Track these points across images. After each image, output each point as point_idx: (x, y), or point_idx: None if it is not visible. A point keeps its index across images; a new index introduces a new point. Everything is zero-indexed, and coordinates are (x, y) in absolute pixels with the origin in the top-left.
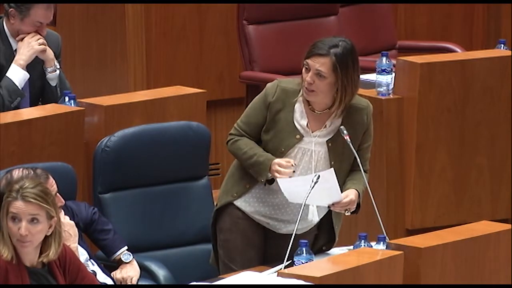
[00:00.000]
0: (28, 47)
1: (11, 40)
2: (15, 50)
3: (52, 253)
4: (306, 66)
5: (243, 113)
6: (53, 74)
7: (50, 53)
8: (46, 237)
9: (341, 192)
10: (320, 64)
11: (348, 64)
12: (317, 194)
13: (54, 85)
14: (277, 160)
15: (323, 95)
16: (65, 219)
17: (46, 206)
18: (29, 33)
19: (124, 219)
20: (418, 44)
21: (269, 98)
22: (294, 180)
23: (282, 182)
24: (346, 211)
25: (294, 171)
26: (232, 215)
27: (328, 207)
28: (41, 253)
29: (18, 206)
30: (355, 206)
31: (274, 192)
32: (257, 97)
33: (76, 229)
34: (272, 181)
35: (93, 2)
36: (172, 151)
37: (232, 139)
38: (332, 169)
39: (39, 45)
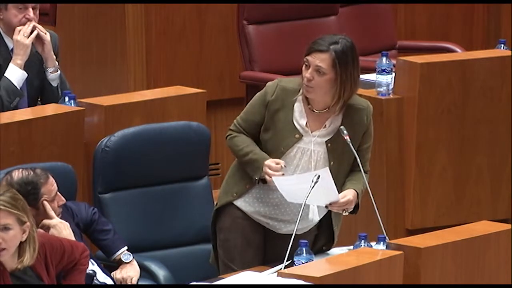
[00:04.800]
0: (18, 45)
1: (6, 39)
2: (11, 49)
3: (27, 259)
4: (306, 63)
5: (244, 109)
6: (54, 74)
7: (51, 53)
8: (21, 243)
9: (340, 192)
10: (320, 60)
11: (347, 61)
12: (314, 193)
13: (56, 85)
14: (267, 162)
15: (322, 92)
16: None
17: (16, 212)
18: (21, 22)
19: (124, 219)
20: (418, 44)
21: (268, 96)
22: (289, 178)
23: (278, 181)
24: (344, 211)
25: (283, 174)
26: (232, 215)
27: (326, 207)
28: (18, 259)
29: None
30: (353, 206)
31: (274, 192)
32: (257, 94)
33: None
34: (265, 180)
35: (93, 2)
36: (172, 151)
37: (231, 135)
38: (327, 168)
39: (28, 36)
